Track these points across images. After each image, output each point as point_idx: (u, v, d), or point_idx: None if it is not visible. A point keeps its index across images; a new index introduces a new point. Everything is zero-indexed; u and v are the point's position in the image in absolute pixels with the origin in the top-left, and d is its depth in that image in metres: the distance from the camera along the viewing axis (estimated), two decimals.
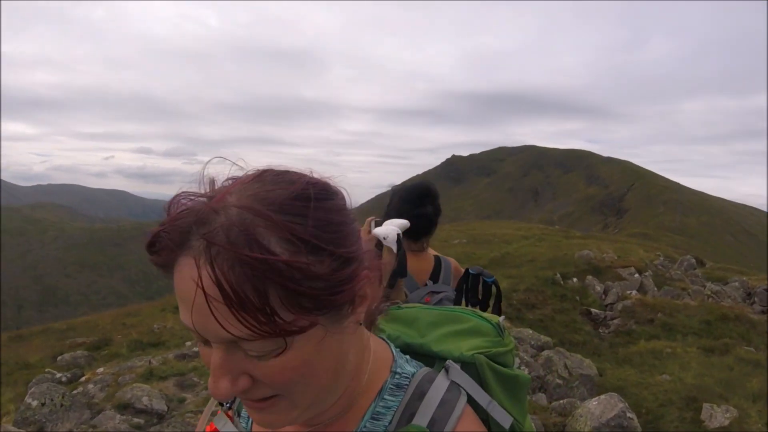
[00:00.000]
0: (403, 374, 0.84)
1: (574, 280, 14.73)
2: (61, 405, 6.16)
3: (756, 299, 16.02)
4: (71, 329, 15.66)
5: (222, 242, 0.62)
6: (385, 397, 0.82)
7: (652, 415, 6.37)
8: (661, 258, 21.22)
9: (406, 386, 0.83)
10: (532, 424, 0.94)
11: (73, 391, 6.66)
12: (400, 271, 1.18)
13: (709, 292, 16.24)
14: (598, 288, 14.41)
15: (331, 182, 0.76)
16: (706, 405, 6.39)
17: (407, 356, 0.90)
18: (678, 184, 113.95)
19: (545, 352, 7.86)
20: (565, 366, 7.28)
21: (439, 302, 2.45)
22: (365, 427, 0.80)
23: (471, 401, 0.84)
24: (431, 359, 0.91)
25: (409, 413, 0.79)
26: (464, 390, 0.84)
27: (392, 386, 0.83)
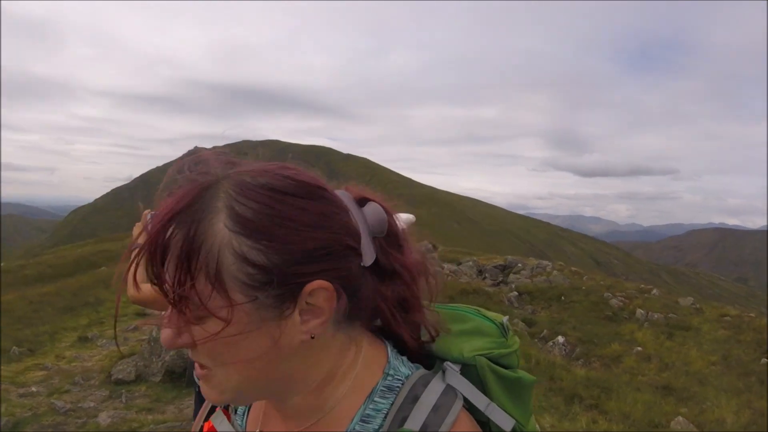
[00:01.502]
0: (396, 376, 0.83)
1: None
2: None
3: (487, 275, 18.42)
4: None
5: (179, 208, 0.71)
6: (375, 399, 0.81)
7: None
8: None
9: (398, 388, 0.81)
10: (536, 425, 0.94)
11: None
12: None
13: (447, 272, 18.14)
14: None
15: (327, 188, 0.79)
16: None
17: (404, 357, 0.88)
18: (409, 179, 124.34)
19: None
20: None
21: None
22: (354, 429, 0.80)
23: (469, 405, 0.83)
24: (432, 359, 0.89)
25: (401, 417, 0.78)
26: (461, 393, 0.83)
27: (383, 388, 0.81)
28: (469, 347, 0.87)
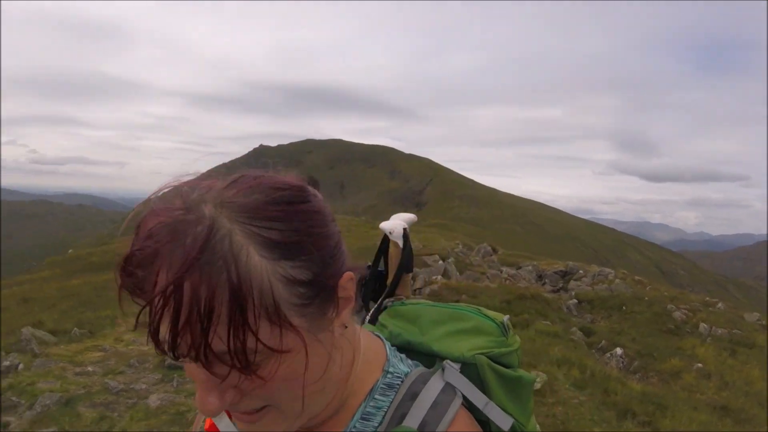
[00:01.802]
0: (396, 374, 0.83)
1: None
2: None
3: (547, 281, 18.01)
4: None
5: (195, 255, 0.60)
6: (376, 396, 0.81)
7: None
8: (460, 246, 22.82)
9: (398, 386, 0.82)
10: (537, 426, 0.94)
11: None
12: (406, 265, 1.15)
13: (506, 276, 17.86)
14: None
15: (306, 184, 0.75)
16: None
17: (402, 355, 0.89)
18: (471, 180, 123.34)
19: None
20: None
21: None
22: (355, 427, 0.79)
23: (468, 403, 0.83)
24: (432, 358, 0.90)
25: (400, 414, 0.78)
26: (459, 391, 0.83)
27: (383, 386, 0.82)
28: (469, 346, 0.88)
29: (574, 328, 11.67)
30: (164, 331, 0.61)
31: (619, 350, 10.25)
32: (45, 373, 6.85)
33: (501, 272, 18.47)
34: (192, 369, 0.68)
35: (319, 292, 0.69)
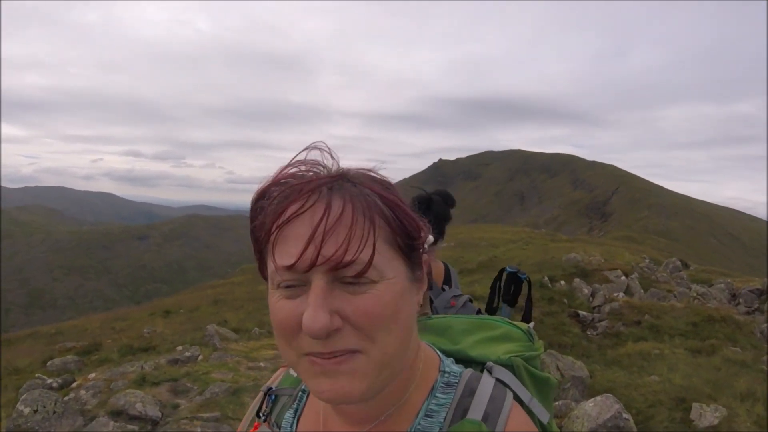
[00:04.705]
0: (452, 373, 0.89)
1: (562, 282, 14.75)
2: (54, 412, 6.04)
3: (741, 300, 16.18)
4: (59, 333, 15.52)
5: (351, 179, 0.78)
6: (437, 395, 0.86)
7: (643, 416, 6.42)
8: (647, 260, 21.35)
9: (455, 384, 0.87)
10: (557, 429, 0.99)
11: (65, 397, 6.56)
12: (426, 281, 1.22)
13: (694, 294, 16.35)
14: (586, 290, 14.41)
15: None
16: (695, 405, 6.43)
17: (451, 358, 0.95)
18: (661, 187, 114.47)
19: None
20: (557, 368, 7.32)
21: (464, 305, 2.56)
22: (420, 424, 0.84)
23: (516, 398, 0.89)
24: (468, 364, 0.95)
25: (462, 409, 0.84)
26: (509, 387, 0.89)
27: (443, 384, 0.87)
28: (503, 350, 0.98)
29: (765, 357, 10.41)
30: (308, 233, 0.72)
31: None
32: (220, 365, 7.53)
33: (690, 290, 17.02)
34: (290, 308, 0.75)
35: (413, 251, 0.81)
